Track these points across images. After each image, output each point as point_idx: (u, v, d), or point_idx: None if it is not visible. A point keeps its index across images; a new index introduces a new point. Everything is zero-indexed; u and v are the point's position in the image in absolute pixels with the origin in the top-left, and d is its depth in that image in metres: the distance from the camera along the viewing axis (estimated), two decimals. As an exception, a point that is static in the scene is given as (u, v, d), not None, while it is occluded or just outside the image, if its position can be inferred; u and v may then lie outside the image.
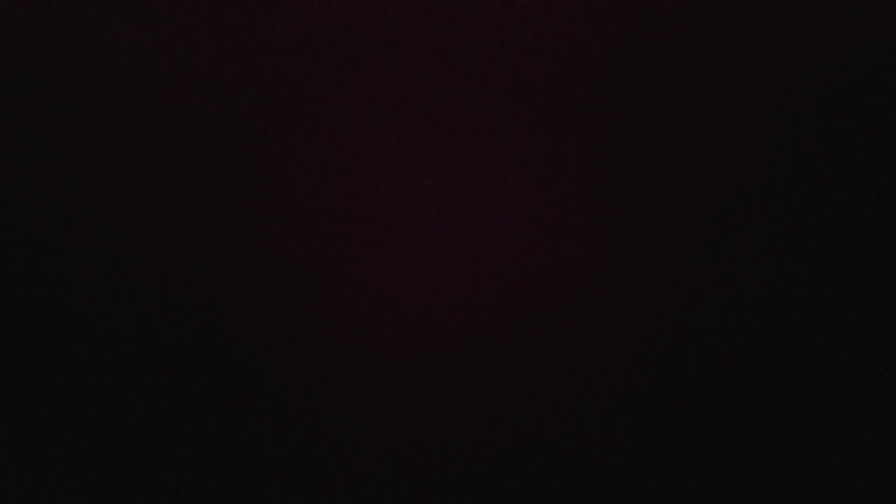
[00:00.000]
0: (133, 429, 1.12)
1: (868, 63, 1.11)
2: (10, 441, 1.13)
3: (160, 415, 1.12)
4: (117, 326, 1.12)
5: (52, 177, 1.12)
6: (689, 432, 1.11)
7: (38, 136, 1.13)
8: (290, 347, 1.11)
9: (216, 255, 1.11)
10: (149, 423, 1.12)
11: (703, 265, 1.11)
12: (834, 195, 1.11)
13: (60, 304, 1.12)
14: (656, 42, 1.12)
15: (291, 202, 1.11)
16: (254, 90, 1.12)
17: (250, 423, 1.12)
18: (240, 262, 1.11)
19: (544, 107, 1.12)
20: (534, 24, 1.12)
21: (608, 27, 1.12)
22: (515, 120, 1.11)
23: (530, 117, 1.11)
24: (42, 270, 1.12)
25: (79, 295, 1.12)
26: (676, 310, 1.11)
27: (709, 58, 1.12)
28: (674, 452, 1.11)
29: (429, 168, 1.11)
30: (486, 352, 1.11)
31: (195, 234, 1.12)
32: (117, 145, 1.12)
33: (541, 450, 1.11)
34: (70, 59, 1.12)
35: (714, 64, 1.11)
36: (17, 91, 1.13)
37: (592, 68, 1.11)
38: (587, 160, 1.11)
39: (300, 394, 1.11)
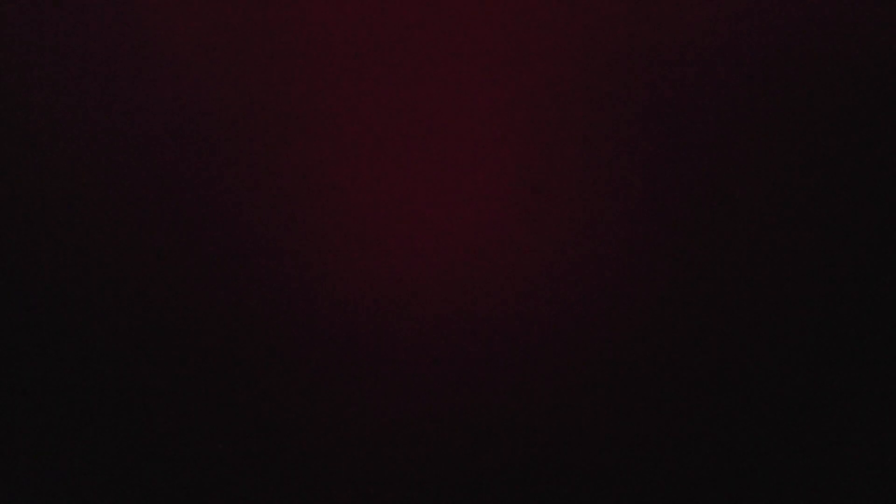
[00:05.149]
0: (131, 429, 1.12)
1: (868, 63, 1.12)
2: (10, 441, 1.13)
3: (158, 414, 1.12)
4: (119, 324, 1.12)
5: (47, 175, 1.13)
6: (688, 432, 1.11)
7: (36, 134, 1.13)
8: (289, 346, 1.12)
9: (215, 253, 1.12)
10: (147, 422, 1.12)
11: (703, 264, 1.11)
12: (834, 195, 1.12)
13: (57, 301, 1.13)
14: (656, 41, 1.12)
15: (287, 198, 1.12)
16: (253, 87, 1.12)
17: (249, 423, 1.12)
18: (238, 260, 1.12)
19: (543, 106, 1.12)
20: (533, 22, 1.12)
21: (608, 26, 1.13)
22: (514, 117, 1.12)
23: (529, 115, 1.12)
24: (40, 268, 1.13)
25: (74, 290, 1.12)
26: (677, 309, 1.11)
27: (708, 57, 1.12)
28: (672, 452, 1.11)
29: (424, 166, 1.11)
30: (486, 351, 1.11)
31: (194, 233, 1.12)
32: (115, 140, 1.12)
33: (540, 449, 1.11)
34: (63, 52, 1.13)
35: (713, 63, 1.12)
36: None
37: (592, 66, 1.12)
38: (588, 159, 1.11)
39: (298, 392, 1.12)
